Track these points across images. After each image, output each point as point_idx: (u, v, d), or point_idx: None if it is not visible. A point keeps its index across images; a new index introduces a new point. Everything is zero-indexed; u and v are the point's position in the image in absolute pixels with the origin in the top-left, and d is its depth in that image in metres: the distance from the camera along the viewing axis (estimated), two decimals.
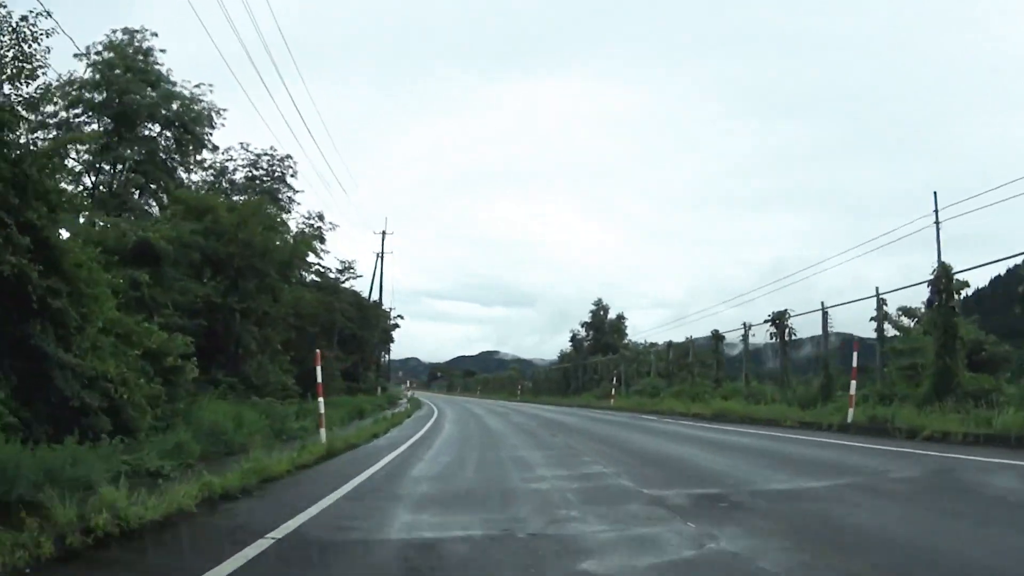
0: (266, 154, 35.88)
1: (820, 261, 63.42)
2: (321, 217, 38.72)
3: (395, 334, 63.20)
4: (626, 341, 55.33)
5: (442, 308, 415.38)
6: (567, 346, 62.80)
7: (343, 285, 37.89)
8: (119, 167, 25.87)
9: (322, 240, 39.38)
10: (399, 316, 63.59)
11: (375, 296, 48.49)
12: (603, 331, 56.10)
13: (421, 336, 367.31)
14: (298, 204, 37.59)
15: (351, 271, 38.12)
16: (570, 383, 55.55)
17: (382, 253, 49.32)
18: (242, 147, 35.12)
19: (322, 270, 36.84)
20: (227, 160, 34.23)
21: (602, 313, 56.56)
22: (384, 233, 49.75)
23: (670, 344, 35.94)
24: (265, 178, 36.51)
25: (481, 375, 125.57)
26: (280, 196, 36.91)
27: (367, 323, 40.39)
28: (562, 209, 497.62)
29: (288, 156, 36.09)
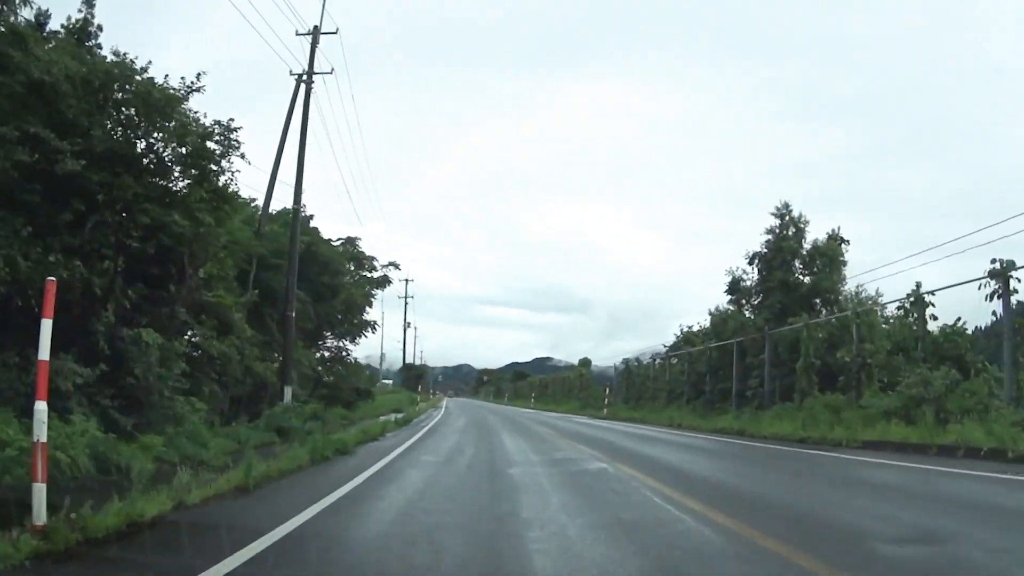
0: None
1: (888, 263, 43.41)
2: None
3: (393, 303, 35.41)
4: (852, 288, 25.82)
5: (493, 314, 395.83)
6: (697, 321, 33.80)
7: None
8: None
9: None
10: (391, 265, 35.16)
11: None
12: (791, 269, 26.46)
13: (473, 342, 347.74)
14: None
15: None
16: (722, 385, 26.43)
17: (309, 74, 20.97)
18: None
19: None
20: None
21: (790, 231, 26.78)
22: (315, 35, 21.30)
23: None
24: None
25: (536, 377, 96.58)
26: None
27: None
28: (613, 212, 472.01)
29: None
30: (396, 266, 35.06)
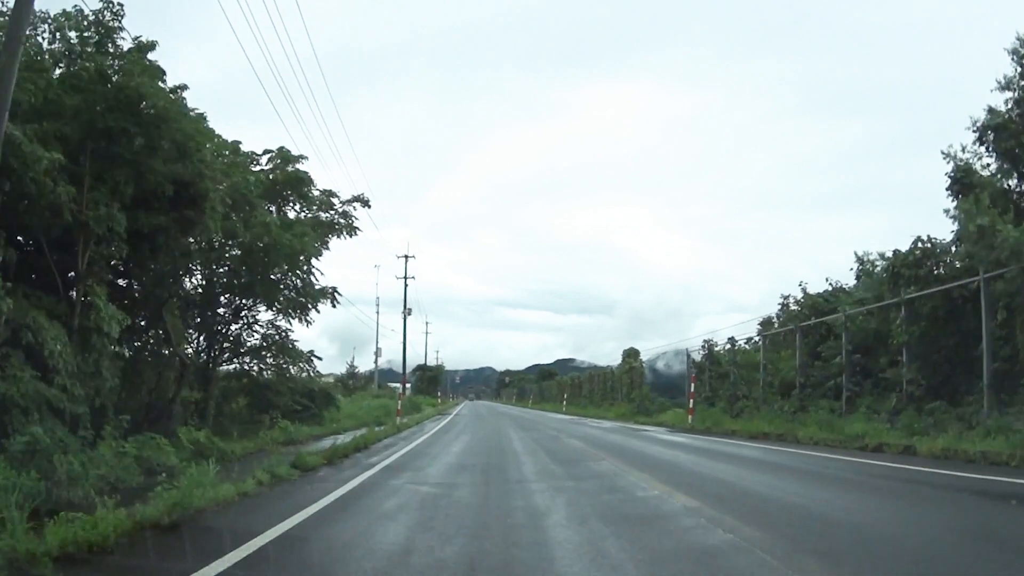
0: None
1: None
2: None
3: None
4: None
5: (515, 317, 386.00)
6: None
7: None
8: None
9: None
10: (356, 200, 22.96)
11: None
12: None
13: (495, 345, 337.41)
14: None
15: None
16: (916, 364, 14.20)
17: None
18: None
19: None
20: None
21: None
22: None
23: None
24: None
25: (566, 375, 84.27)
26: None
27: None
28: (633, 213, 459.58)
29: None
30: (365, 203, 22.82)
